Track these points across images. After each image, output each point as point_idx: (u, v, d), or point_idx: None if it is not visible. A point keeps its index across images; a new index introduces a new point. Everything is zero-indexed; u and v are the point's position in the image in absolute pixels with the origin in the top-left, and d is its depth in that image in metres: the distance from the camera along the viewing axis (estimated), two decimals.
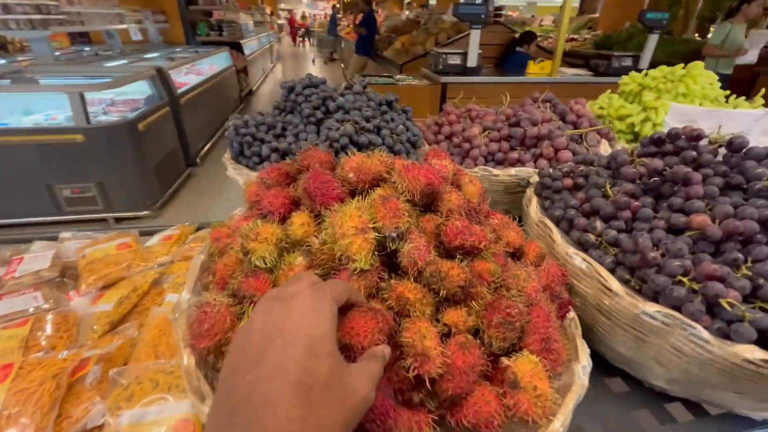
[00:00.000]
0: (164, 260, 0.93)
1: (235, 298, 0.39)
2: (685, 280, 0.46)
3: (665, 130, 0.63)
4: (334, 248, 0.39)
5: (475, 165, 0.94)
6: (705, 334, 0.43)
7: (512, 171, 0.83)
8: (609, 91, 1.16)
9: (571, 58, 4.44)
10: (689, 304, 0.44)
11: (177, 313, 0.43)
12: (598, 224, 0.56)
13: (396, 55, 4.82)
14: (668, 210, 0.54)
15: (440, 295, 0.38)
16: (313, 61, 11.73)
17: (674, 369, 0.48)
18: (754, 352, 0.41)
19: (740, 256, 0.46)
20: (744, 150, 0.54)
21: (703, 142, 0.58)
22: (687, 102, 1.02)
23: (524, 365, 0.37)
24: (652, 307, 0.45)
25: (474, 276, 0.39)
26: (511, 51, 4.11)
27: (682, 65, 1.06)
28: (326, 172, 0.45)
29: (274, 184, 0.51)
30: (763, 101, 1.11)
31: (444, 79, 3.25)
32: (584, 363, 0.43)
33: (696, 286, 0.45)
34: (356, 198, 0.43)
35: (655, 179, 0.56)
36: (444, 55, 3.30)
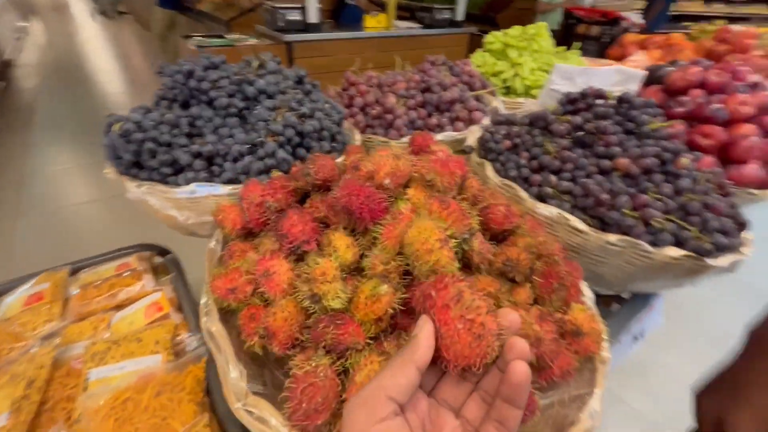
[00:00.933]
0: (51, 329, 0.69)
1: (329, 354, 0.33)
2: (627, 211, 0.60)
3: (550, 87, 0.77)
4: (418, 264, 0.36)
5: (400, 136, 0.95)
6: (648, 247, 0.58)
7: (457, 136, 0.88)
8: (479, 50, 1.31)
9: (398, 11, 4.67)
10: (636, 229, 0.59)
11: (240, 401, 0.34)
12: (553, 178, 0.67)
13: (216, 9, 4.18)
14: (594, 157, 0.68)
15: (513, 280, 0.41)
16: (92, 15, 9.07)
17: (622, 276, 0.64)
18: (677, 251, 0.58)
19: (650, 184, 0.63)
20: (629, 102, 0.72)
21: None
22: (539, 56, 1.24)
23: (579, 315, 0.44)
24: (613, 237, 0.59)
25: (534, 255, 0.43)
26: (343, 4, 4.06)
27: (532, 26, 1.27)
28: (365, 184, 0.40)
29: (283, 206, 0.43)
30: (579, 52, 1.43)
31: (288, 37, 3.03)
32: (590, 295, 0.53)
33: (636, 215, 0.60)
34: (405, 207, 0.40)
35: (581, 133, 0.69)
36: (281, 11, 3.04)
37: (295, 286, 0.37)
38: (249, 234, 0.48)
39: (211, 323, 0.38)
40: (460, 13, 4.11)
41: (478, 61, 1.29)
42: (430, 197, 0.42)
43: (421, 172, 0.44)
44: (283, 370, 0.39)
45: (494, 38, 1.31)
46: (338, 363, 0.33)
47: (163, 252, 0.82)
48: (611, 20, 4.50)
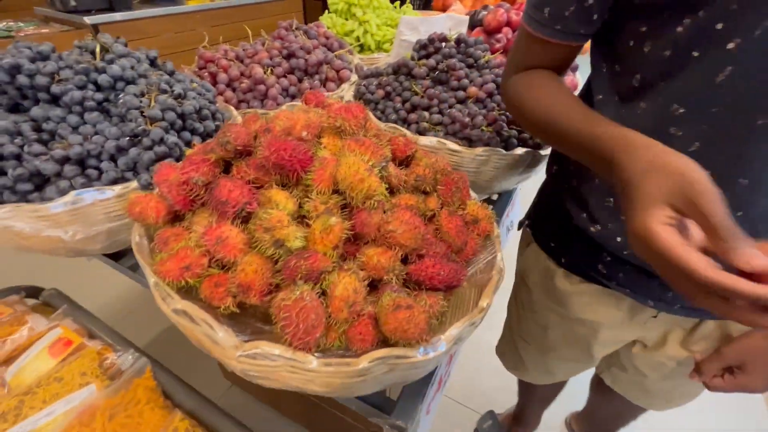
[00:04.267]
0: None
1: (306, 283, 0.38)
2: (484, 128, 0.77)
3: (400, 38, 0.89)
4: (354, 194, 0.43)
5: (277, 105, 0.96)
6: (503, 152, 0.76)
7: (335, 95, 0.93)
8: (326, 12, 1.35)
9: None
10: (493, 140, 0.76)
11: (238, 351, 0.36)
12: (425, 114, 0.79)
13: None
14: (451, 90, 0.82)
15: (425, 192, 0.52)
16: None
17: (490, 180, 0.83)
18: (522, 149, 0.77)
19: (494, 104, 0.81)
20: (465, 42, 0.87)
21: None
22: (381, 12, 1.35)
23: (473, 208, 0.58)
24: (479, 150, 0.75)
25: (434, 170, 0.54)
26: None
27: None
28: (287, 139, 0.44)
29: (210, 179, 0.43)
30: (411, 6, 1.59)
31: (90, 19, 2.51)
32: (474, 195, 0.68)
33: (491, 129, 0.77)
34: (325, 149, 0.46)
35: (437, 72, 0.82)
36: None
37: (254, 242, 0.40)
38: (174, 219, 0.47)
39: (176, 303, 0.39)
40: None
41: (328, 23, 1.34)
42: (344, 140, 0.48)
43: (329, 121, 0.49)
44: (262, 319, 0.43)
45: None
46: (316, 287, 0.39)
47: (33, 291, 0.70)
48: None
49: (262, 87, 0.94)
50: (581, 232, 0.58)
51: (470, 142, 0.77)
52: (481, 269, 0.54)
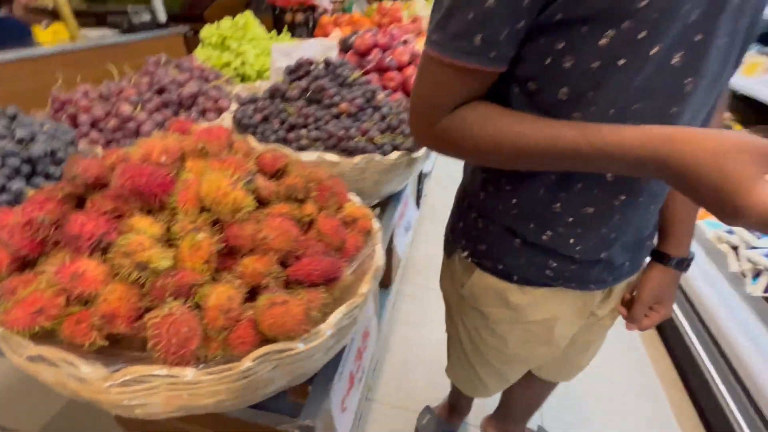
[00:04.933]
0: None
1: (176, 300, 0.38)
2: (358, 138, 0.84)
3: (274, 66, 0.94)
4: (220, 209, 0.45)
5: None
6: (380, 157, 0.84)
7: (215, 124, 0.92)
8: (200, 46, 1.34)
9: (81, 18, 3.90)
10: (368, 148, 0.84)
11: (107, 382, 0.35)
12: (303, 132, 0.84)
13: None
14: (325, 108, 0.88)
15: (300, 200, 0.55)
16: None
17: (373, 185, 0.90)
18: (397, 154, 0.86)
19: (365, 117, 0.89)
20: (332, 64, 0.95)
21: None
22: (258, 43, 1.39)
23: (350, 209, 0.63)
24: (357, 158, 0.81)
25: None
26: None
27: (240, 16, 1.39)
28: (143, 164, 0.44)
29: (59, 216, 0.41)
30: (289, 35, 1.65)
31: None
32: (357, 199, 0.74)
33: (364, 139, 0.84)
34: (190, 170, 0.47)
35: (309, 92, 0.88)
36: None
37: (116, 269, 0.39)
38: (24, 266, 0.43)
39: (30, 349, 0.36)
40: (160, 15, 3.80)
41: (203, 56, 1.33)
42: (207, 162, 0.50)
43: (191, 145, 0.51)
44: (140, 348, 0.42)
45: (210, 32, 1.36)
46: (188, 301, 0.39)
47: None
48: (309, 6, 5.12)
49: (132, 124, 0.90)
50: (527, 245, 0.62)
51: (349, 153, 0.83)
52: (365, 261, 0.59)
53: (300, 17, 5.27)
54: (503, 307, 0.71)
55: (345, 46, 1.36)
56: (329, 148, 0.84)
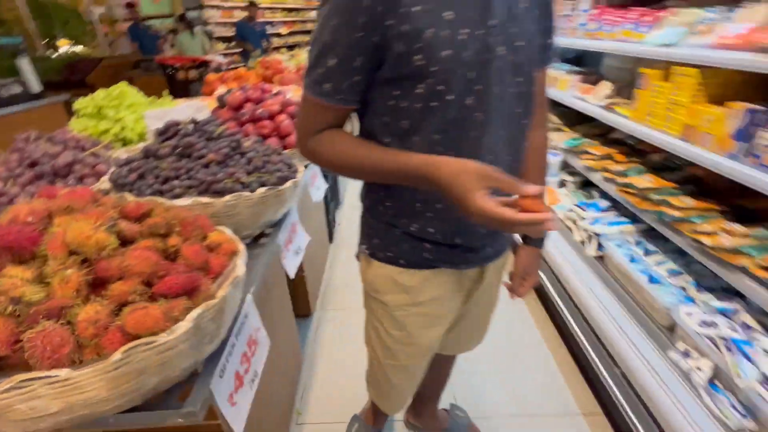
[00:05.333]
0: None
1: (51, 320, 0.50)
2: (227, 181, 1.00)
3: (151, 129, 1.07)
4: (86, 249, 0.57)
5: None
6: (249, 194, 1.00)
7: (94, 188, 1.01)
8: (75, 116, 1.40)
9: None
10: (235, 187, 0.99)
11: None
12: (176, 182, 0.97)
13: None
14: (197, 160, 1.03)
15: (165, 235, 0.69)
16: None
17: (249, 218, 1.05)
18: (263, 189, 1.03)
19: (233, 162, 1.05)
20: (198, 122, 1.11)
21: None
22: (137, 108, 1.49)
23: (215, 236, 0.78)
24: (227, 197, 0.97)
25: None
26: None
27: (115, 87, 1.48)
28: (11, 225, 0.55)
29: None
30: (170, 97, 1.78)
31: None
32: (229, 231, 0.89)
33: (232, 180, 1.00)
34: (59, 221, 0.59)
35: (179, 149, 1.02)
36: None
37: None
38: None
39: None
40: (34, 85, 3.62)
41: (80, 127, 1.40)
42: (73, 216, 0.62)
43: (57, 204, 0.62)
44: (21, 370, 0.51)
45: (85, 104, 1.44)
46: (60, 320, 0.51)
47: None
48: (201, 63, 5.20)
49: (3, 199, 0.96)
50: (405, 234, 0.81)
51: (219, 194, 0.99)
52: (228, 276, 0.73)
53: (194, 74, 5.31)
54: (397, 292, 0.89)
55: (221, 103, 1.53)
56: (202, 193, 0.98)
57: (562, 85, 2.43)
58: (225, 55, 7.19)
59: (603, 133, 2.27)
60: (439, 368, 1.33)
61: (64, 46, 7.00)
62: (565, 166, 2.40)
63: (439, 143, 0.68)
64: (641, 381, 1.29)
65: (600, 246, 1.83)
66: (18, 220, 0.57)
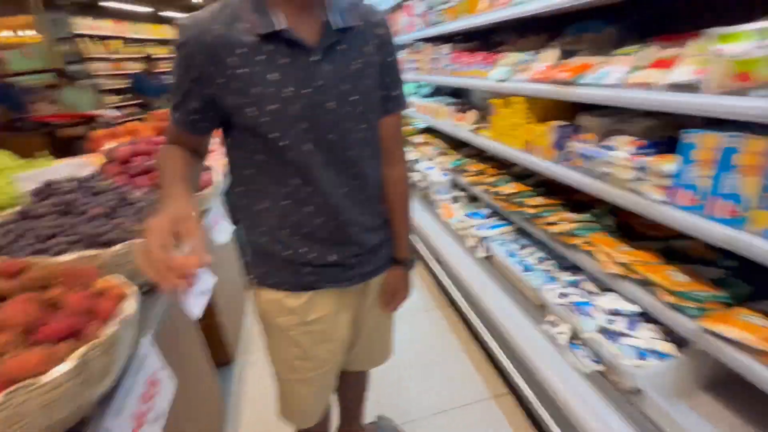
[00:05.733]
0: None
1: None
2: (117, 231, 1.03)
3: (26, 191, 1.07)
4: None
5: None
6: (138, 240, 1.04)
7: None
8: None
9: None
10: (125, 237, 1.03)
11: None
12: (58, 239, 0.97)
13: None
14: (81, 215, 1.04)
15: (44, 287, 0.72)
16: None
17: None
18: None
19: (122, 212, 1.09)
20: (80, 180, 1.12)
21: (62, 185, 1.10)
22: (7, 172, 1.42)
23: (101, 284, 0.81)
24: (123, 246, 0.99)
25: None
26: None
27: None
28: None
29: None
30: (50, 156, 1.71)
31: None
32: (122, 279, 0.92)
33: (120, 231, 1.03)
34: None
35: (59, 207, 1.03)
36: None
37: None
38: None
39: None
40: None
41: None
42: None
43: None
44: None
45: None
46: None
47: None
48: (88, 119, 4.88)
49: None
50: (285, 260, 0.91)
51: (108, 245, 1.01)
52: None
53: (80, 130, 4.97)
54: (286, 314, 0.97)
55: (109, 158, 1.53)
56: (89, 246, 1.00)
57: (442, 115, 2.82)
58: (119, 107, 6.79)
59: (479, 152, 2.66)
60: (355, 384, 1.41)
61: None
62: (455, 185, 2.75)
63: (290, 175, 0.84)
64: (526, 353, 1.53)
65: (486, 248, 2.13)
66: None
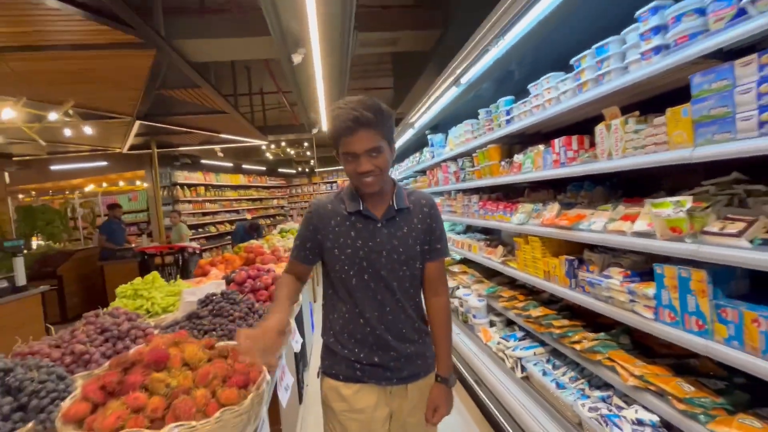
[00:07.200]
0: None
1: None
2: None
3: (185, 300, 1.60)
4: (192, 362, 1.04)
5: (98, 365, 1.36)
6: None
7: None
8: (116, 299, 1.87)
9: None
10: None
11: None
12: (214, 332, 1.44)
13: None
14: (225, 317, 1.53)
15: (225, 356, 1.16)
16: None
17: None
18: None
19: (255, 317, 1.56)
20: (225, 293, 1.65)
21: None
22: (162, 288, 1.99)
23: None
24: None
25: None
26: None
27: (149, 275, 2.02)
28: (150, 351, 1.02)
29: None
30: (179, 278, 2.31)
31: None
32: None
33: None
34: None
35: (215, 311, 1.53)
36: None
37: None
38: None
39: None
40: (20, 278, 3.96)
41: (123, 305, 1.85)
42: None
43: (170, 340, 1.10)
44: None
45: (125, 289, 1.94)
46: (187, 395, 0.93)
47: None
48: (179, 249, 5.87)
49: (86, 356, 1.35)
50: (342, 357, 1.25)
51: None
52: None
53: (169, 259, 5.90)
54: (340, 400, 1.28)
55: (228, 280, 2.10)
56: (232, 339, 1.45)
57: (475, 249, 3.33)
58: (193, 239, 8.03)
59: (510, 281, 3.04)
60: None
61: (35, 242, 7.51)
62: (491, 310, 3.06)
63: (350, 297, 1.25)
64: None
65: (523, 368, 2.33)
66: (156, 346, 1.04)
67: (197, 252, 6.04)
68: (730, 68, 1.05)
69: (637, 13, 1.39)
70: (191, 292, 1.73)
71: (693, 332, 1.29)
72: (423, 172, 4.94)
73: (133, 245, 6.72)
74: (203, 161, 10.76)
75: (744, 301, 1.16)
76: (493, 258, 2.91)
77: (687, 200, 1.32)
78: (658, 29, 1.32)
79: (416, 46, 4.59)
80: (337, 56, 3.40)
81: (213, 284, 1.84)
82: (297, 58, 3.28)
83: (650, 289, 1.45)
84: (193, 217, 10.23)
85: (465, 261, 3.99)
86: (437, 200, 4.40)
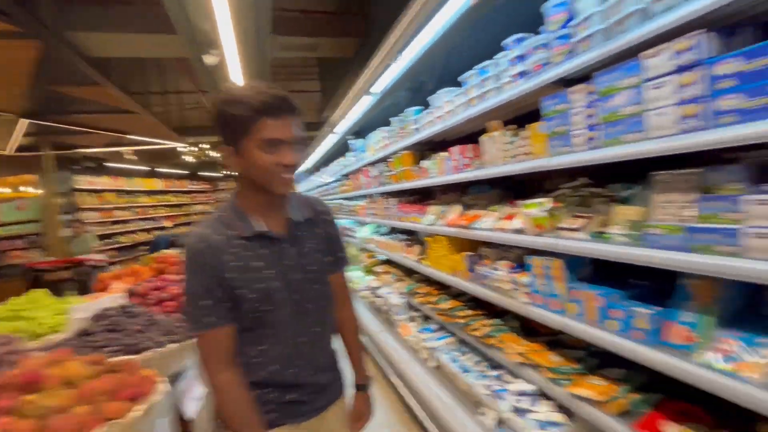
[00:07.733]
0: None
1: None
2: (148, 342, 1.43)
3: (74, 317, 1.50)
4: (73, 379, 0.99)
5: None
6: (160, 349, 1.44)
7: None
8: None
9: None
10: (152, 346, 1.43)
11: None
12: (106, 349, 1.37)
13: None
14: (124, 331, 1.46)
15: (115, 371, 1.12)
16: None
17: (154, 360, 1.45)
18: (175, 345, 1.48)
19: (153, 330, 1.51)
20: (125, 306, 1.57)
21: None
22: (47, 307, 1.82)
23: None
24: (151, 353, 1.39)
25: None
26: None
27: (31, 293, 1.82)
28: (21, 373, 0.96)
29: None
30: (75, 294, 2.12)
31: None
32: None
33: (149, 342, 1.44)
34: None
35: (111, 326, 1.45)
36: None
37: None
38: None
39: None
40: None
41: None
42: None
43: (48, 359, 1.03)
44: None
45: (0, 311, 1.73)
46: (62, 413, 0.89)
47: None
48: (77, 263, 5.27)
49: None
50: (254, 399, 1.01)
51: (140, 352, 1.41)
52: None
53: (66, 274, 5.30)
54: None
55: (132, 293, 1.98)
56: (129, 353, 1.39)
57: (396, 249, 3.50)
58: (102, 251, 7.25)
59: (427, 278, 3.26)
60: None
61: None
62: (410, 306, 3.25)
63: (259, 335, 1.03)
64: None
65: (436, 358, 2.52)
66: (28, 368, 0.97)
67: (105, 265, 5.48)
68: (565, 94, 1.30)
69: (504, 42, 1.62)
70: (81, 308, 1.61)
71: (555, 311, 1.54)
72: (347, 176, 5.04)
73: (21, 261, 5.87)
74: (110, 165, 9.71)
75: (587, 284, 1.43)
76: (410, 257, 3.10)
77: (548, 201, 1.58)
78: (521, 57, 1.56)
79: (337, 53, 4.67)
80: (254, 59, 3.35)
81: (110, 298, 1.73)
82: (210, 60, 3.17)
83: (525, 278, 1.69)
84: (102, 226, 9.20)
85: (389, 261, 4.16)
86: (361, 203, 4.53)
